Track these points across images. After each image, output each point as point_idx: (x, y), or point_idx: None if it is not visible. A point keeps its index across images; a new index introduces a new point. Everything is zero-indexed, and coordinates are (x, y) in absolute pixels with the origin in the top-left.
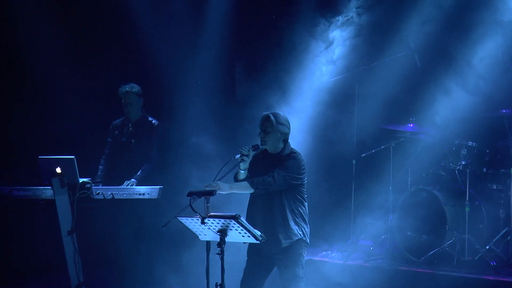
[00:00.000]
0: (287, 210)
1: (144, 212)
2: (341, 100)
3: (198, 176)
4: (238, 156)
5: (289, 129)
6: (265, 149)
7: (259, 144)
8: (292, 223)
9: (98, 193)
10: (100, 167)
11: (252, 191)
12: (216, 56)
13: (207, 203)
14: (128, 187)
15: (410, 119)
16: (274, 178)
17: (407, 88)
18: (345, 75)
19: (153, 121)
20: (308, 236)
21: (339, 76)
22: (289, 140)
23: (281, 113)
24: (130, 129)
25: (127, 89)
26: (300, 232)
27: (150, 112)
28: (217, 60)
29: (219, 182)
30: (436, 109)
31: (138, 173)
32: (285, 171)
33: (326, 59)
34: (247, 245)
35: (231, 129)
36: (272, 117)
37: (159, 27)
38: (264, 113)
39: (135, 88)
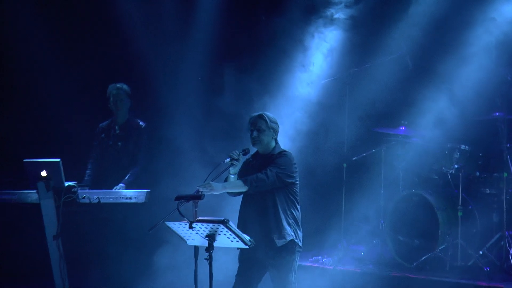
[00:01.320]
0: (280, 211)
1: (131, 217)
2: (331, 102)
3: (187, 179)
4: (228, 160)
5: (279, 127)
6: (256, 152)
7: (249, 148)
8: (285, 223)
9: (84, 197)
10: (87, 171)
11: (245, 189)
12: (205, 57)
13: (195, 208)
14: (115, 191)
15: (402, 122)
16: (267, 175)
17: (398, 90)
18: (335, 78)
19: (140, 123)
20: (301, 240)
21: (329, 79)
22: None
23: (269, 113)
24: (117, 131)
25: (118, 86)
26: (292, 233)
27: (138, 114)
28: (206, 60)
29: (211, 182)
30: (428, 112)
31: (127, 177)
32: (278, 168)
33: (315, 61)
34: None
35: (221, 132)
36: (265, 116)
37: (147, 28)
38: (254, 114)
39: (125, 86)
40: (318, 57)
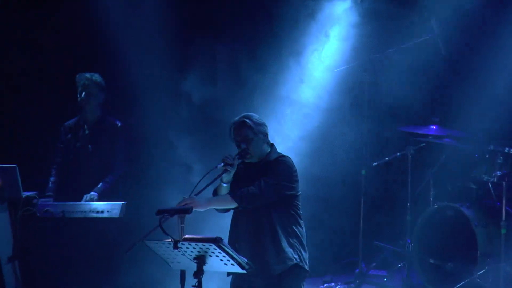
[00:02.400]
0: (279, 229)
1: (104, 234)
2: (346, 96)
3: (171, 190)
4: (221, 165)
5: (267, 127)
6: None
7: (247, 149)
8: (285, 244)
9: (46, 211)
10: (51, 178)
11: (234, 205)
12: (193, 47)
13: (181, 224)
14: (83, 203)
15: (433, 119)
16: (261, 188)
17: (429, 81)
18: (352, 65)
19: (115, 122)
20: (307, 262)
21: (344, 67)
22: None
23: (251, 113)
24: (87, 131)
25: (87, 75)
26: (295, 256)
27: (113, 112)
28: (194, 51)
29: (194, 197)
30: (465, 107)
31: (99, 185)
32: (275, 179)
33: (327, 45)
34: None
35: (212, 133)
36: (248, 121)
37: (124, 13)
38: (234, 121)
39: (96, 77)
40: (331, 40)
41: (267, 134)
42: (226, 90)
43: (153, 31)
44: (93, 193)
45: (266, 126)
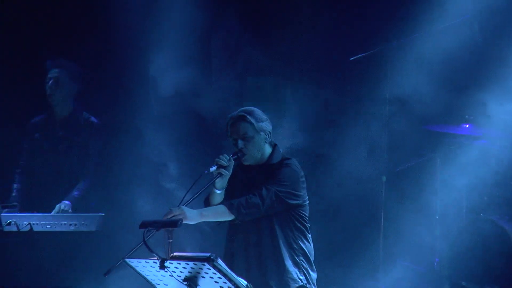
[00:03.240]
0: (282, 245)
1: (77, 251)
2: (363, 89)
3: (156, 200)
4: (213, 168)
5: (271, 125)
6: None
7: (239, 153)
8: (289, 263)
9: (9, 223)
10: (15, 185)
11: (231, 218)
12: (185, 24)
13: (169, 239)
14: (54, 214)
15: (466, 117)
16: (262, 197)
17: (461, 72)
18: (371, 53)
19: (91, 119)
20: (315, 284)
21: (361, 55)
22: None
23: (252, 107)
24: (58, 130)
25: (56, 62)
26: (301, 277)
27: (88, 108)
28: (187, 29)
29: (184, 207)
30: (503, 104)
31: (73, 193)
32: (278, 186)
33: (340, 28)
34: None
35: (205, 132)
36: (248, 117)
37: None
38: (231, 115)
39: (70, 64)
40: (344, 23)
41: (270, 133)
42: (206, 75)
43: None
44: (65, 202)
45: (270, 123)
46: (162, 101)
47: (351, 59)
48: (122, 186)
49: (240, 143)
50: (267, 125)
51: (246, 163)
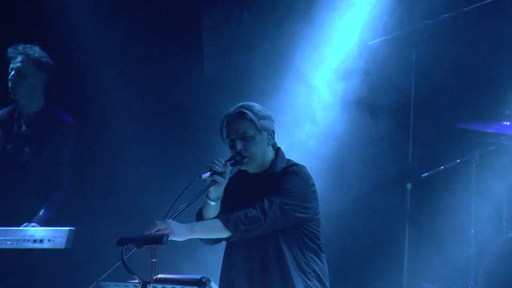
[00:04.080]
0: (291, 268)
1: (43, 272)
2: (383, 80)
3: (138, 212)
4: (206, 175)
5: (274, 122)
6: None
7: (242, 154)
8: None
9: None
10: None
11: (227, 235)
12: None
13: (152, 258)
14: (16, 229)
15: (507, 112)
16: (264, 211)
17: (500, 60)
18: (394, 36)
19: (64, 118)
20: None
21: (383, 38)
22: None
23: (252, 102)
24: (23, 128)
25: (20, 49)
26: None
27: (63, 105)
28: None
29: (170, 221)
30: None
31: (41, 213)
32: (283, 197)
33: (358, 9)
34: None
35: (196, 131)
36: (249, 113)
37: None
38: (228, 112)
39: (36, 51)
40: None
41: (273, 133)
42: (185, 57)
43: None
44: (32, 224)
45: (273, 121)
46: (146, 99)
47: (369, 43)
48: (98, 195)
49: (239, 144)
50: (270, 124)
51: (245, 167)
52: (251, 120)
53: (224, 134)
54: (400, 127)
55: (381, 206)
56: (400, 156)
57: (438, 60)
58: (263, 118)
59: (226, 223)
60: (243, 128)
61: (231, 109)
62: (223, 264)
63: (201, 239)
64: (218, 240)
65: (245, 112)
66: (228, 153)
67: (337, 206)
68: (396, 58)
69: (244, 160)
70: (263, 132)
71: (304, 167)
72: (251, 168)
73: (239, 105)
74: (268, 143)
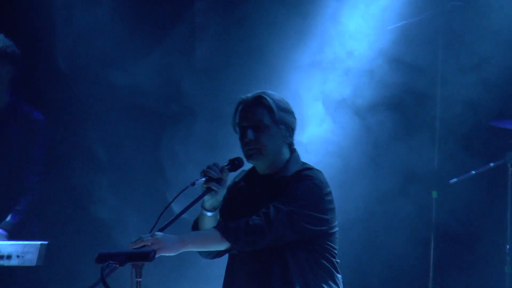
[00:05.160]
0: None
1: None
2: (403, 71)
3: (120, 222)
4: (201, 181)
5: (296, 120)
6: (251, 170)
7: (242, 158)
8: None
9: None
10: None
11: (226, 246)
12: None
13: (137, 277)
14: None
15: None
16: (269, 220)
17: None
18: (418, 19)
19: (34, 114)
20: None
21: (405, 21)
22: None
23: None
24: None
25: None
26: None
27: (32, 100)
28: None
29: (159, 234)
30: None
31: (8, 218)
32: (292, 205)
33: None
34: None
35: (188, 128)
36: (268, 99)
37: None
38: (245, 97)
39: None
40: None
41: (293, 130)
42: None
43: None
44: (1, 232)
45: (295, 118)
46: (127, 94)
47: (388, 28)
48: (74, 203)
49: (250, 133)
50: (291, 119)
51: (253, 162)
52: (270, 108)
53: (236, 121)
54: (422, 122)
55: (403, 216)
56: (424, 159)
57: (467, 48)
58: (284, 110)
59: (225, 233)
60: (258, 114)
61: (249, 95)
62: (224, 281)
63: (200, 252)
64: (219, 253)
65: (265, 98)
66: (228, 156)
67: (356, 217)
68: (422, 45)
69: (254, 151)
70: (281, 126)
71: (320, 172)
72: (259, 165)
73: (258, 91)
74: (284, 140)
